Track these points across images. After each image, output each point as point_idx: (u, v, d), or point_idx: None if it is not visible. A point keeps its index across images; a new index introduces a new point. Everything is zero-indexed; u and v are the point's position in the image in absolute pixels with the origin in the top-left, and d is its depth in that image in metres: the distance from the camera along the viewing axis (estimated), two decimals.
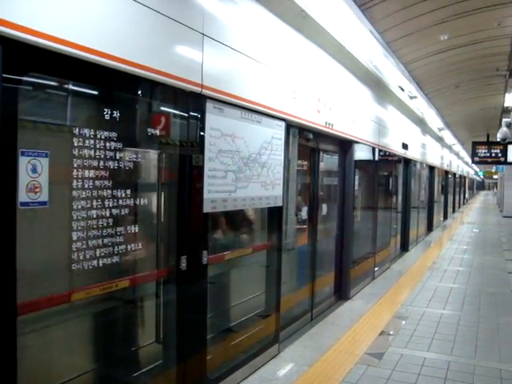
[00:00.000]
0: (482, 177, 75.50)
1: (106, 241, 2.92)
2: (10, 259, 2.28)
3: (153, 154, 3.48)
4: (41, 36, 2.34)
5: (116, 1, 2.81)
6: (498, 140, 17.25)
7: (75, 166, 2.72)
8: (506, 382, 4.47)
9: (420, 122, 14.33)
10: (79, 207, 2.74)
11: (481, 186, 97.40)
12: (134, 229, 3.17)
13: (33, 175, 2.43)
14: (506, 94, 12.79)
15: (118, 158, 2.99)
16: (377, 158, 9.09)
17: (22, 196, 2.38)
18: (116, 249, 3.00)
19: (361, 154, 8.05)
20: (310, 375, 4.52)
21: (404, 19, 7.17)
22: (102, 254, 2.89)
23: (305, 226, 6.43)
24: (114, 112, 2.94)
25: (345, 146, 7.46)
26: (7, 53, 2.21)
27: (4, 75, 2.22)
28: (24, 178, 2.39)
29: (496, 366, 4.85)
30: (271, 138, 4.66)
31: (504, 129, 16.26)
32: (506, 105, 13.96)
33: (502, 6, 7.30)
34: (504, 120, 16.06)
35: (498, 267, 10.54)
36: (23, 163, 2.38)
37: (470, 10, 7.29)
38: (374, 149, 8.79)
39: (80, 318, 3.17)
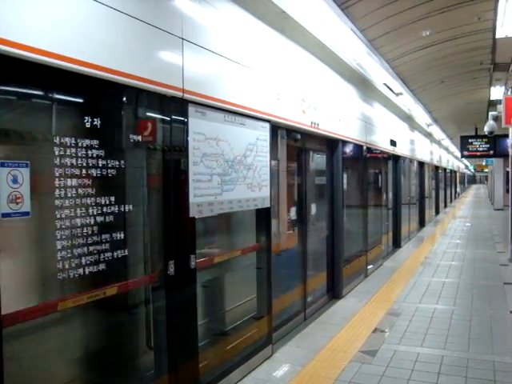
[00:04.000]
0: (472, 170, 75.86)
1: (91, 248, 2.91)
2: None
3: (137, 160, 3.48)
4: (16, 46, 2.33)
5: (94, 9, 2.80)
6: (486, 133, 17.33)
7: (57, 174, 2.71)
8: (500, 374, 4.49)
9: (408, 119, 14.39)
10: (62, 216, 2.73)
11: (472, 180, 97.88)
12: (120, 235, 3.16)
13: (14, 186, 2.42)
14: (492, 88, 12.86)
15: (101, 165, 2.98)
16: (365, 155, 9.12)
17: (4, 207, 2.37)
18: (102, 256, 2.98)
19: (349, 152, 8.08)
20: (304, 375, 4.52)
21: (384, 16, 7.20)
22: (88, 262, 2.88)
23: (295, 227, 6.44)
24: (95, 120, 2.93)
25: (332, 144, 7.48)
26: None
27: None
28: (5, 188, 2.38)
29: (489, 359, 4.87)
30: (256, 140, 4.66)
31: (491, 122, 16.33)
32: (491, 98, 14.04)
33: (481, 1, 7.35)
34: (490, 113, 16.13)
35: (490, 260, 10.60)
36: (3, 174, 2.37)
37: (449, 5, 7.32)
38: (361, 147, 8.81)
39: (68, 326, 3.16)
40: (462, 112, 19.37)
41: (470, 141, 20.03)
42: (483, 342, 5.36)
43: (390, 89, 10.40)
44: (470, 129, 21.80)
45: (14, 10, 2.33)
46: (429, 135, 19.78)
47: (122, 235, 3.18)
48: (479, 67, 11.64)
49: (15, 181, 2.44)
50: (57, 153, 2.70)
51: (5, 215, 2.38)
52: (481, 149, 19.67)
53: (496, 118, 15.60)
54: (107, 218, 3.04)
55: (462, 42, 9.55)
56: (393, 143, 11.74)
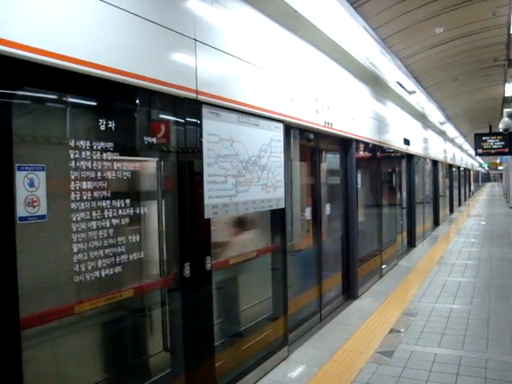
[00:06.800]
0: (486, 168, 75.30)
1: (107, 251, 2.92)
2: (10, 274, 2.28)
3: (151, 163, 3.48)
4: (32, 51, 2.34)
5: (107, 12, 2.80)
6: (501, 130, 17.17)
7: (73, 177, 2.71)
8: None
9: (421, 117, 14.29)
10: (79, 219, 2.73)
11: (486, 178, 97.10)
12: (136, 238, 3.16)
13: (30, 189, 2.43)
14: (506, 84, 12.74)
15: (116, 167, 2.99)
16: (378, 154, 9.07)
17: (21, 211, 2.37)
18: (118, 259, 2.99)
19: (362, 151, 8.04)
20: (320, 376, 4.49)
21: (397, 14, 7.15)
22: (104, 265, 2.88)
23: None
24: (110, 122, 2.93)
25: (345, 144, 7.44)
26: None
27: None
28: (21, 192, 2.38)
29: (508, 359, 4.80)
30: (270, 140, 4.65)
31: (506, 119, 16.20)
32: (506, 95, 13.90)
33: None
34: (505, 110, 16.00)
35: (507, 258, 10.49)
36: (20, 178, 2.38)
37: (463, 1, 7.26)
38: (375, 146, 8.76)
39: (85, 329, 3.17)
40: (476, 109, 19.23)
41: (484, 138, 19.82)
42: (502, 342, 5.28)
43: (403, 87, 10.34)
44: (484, 126, 21.60)
45: (27, 14, 2.34)
46: (442, 133, 19.63)
47: (138, 237, 3.18)
48: (494, 64, 11.54)
49: (31, 184, 2.44)
50: (72, 156, 2.71)
51: (22, 219, 2.38)
52: (495, 146, 19.45)
53: (511, 115, 15.46)
54: (122, 220, 3.04)
55: (476, 39, 9.47)
56: (406, 142, 11.66)
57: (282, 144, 4.87)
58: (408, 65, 9.66)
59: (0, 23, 2.21)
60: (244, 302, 4.92)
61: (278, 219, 4.93)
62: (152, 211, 3.44)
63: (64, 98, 2.82)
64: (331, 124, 6.23)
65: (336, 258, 7.40)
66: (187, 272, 3.48)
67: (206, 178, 3.67)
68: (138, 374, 3.52)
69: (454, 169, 24.72)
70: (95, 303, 2.91)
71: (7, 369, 2.30)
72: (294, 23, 5.14)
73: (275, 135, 4.75)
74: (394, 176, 10.83)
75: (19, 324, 2.34)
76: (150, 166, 3.47)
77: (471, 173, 44.65)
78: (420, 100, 12.40)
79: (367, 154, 8.49)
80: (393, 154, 10.66)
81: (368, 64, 7.72)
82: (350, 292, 7.45)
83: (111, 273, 2.94)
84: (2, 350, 2.26)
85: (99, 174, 2.87)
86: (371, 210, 8.88)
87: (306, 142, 6.15)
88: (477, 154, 20.83)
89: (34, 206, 2.45)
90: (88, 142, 2.79)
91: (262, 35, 4.57)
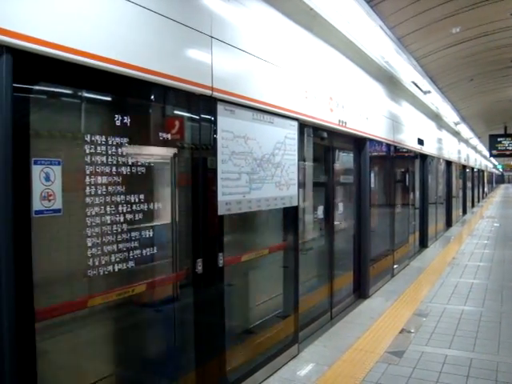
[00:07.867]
0: (501, 170, 74.58)
1: (120, 246, 2.93)
2: (26, 267, 2.30)
3: (166, 158, 3.49)
4: (50, 46, 2.36)
5: (124, 8, 2.81)
6: None
7: (88, 172, 2.73)
8: None
9: (435, 117, 14.19)
10: (93, 213, 2.75)
11: (500, 180, 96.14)
12: (149, 233, 3.17)
13: (46, 183, 2.45)
14: None
15: (130, 163, 3.00)
16: (392, 154, 9.03)
17: (36, 204, 2.40)
18: (131, 254, 3.00)
19: (376, 150, 8.01)
20: (330, 375, 4.49)
21: (414, 13, 7.11)
22: (117, 260, 2.90)
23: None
24: (125, 118, 2.95)
25: (359, 143, 7.42)
26: (17, 63, 2.23)
27: (15, 85, 2.23)
28: (37, 186, 2.40)
29: None
30: (284, 138, 4.65)
31: None
32: None
33: None
34: None
35: None
36: (36, 172, 2.40)
37: (480, 1, 7.20)
38: (389, 145, 8.72)
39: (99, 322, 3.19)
40: (491, 110, 19.04)
41: (498, 140, 19.70)
42: None
43: (418, 87, 10.28)
44: (499, 127, 21.40)
45: (47, 10, 2.35)
46: (456, 134, 19.48)
47: (151, 233, 3.20)
48: (510, 64, 11.42)
49: (47, 178, 2.46)
50: (87, 151, 2.73)
51: (37, 212, 2.40)
52: (510, 148, 19.29)
53: None
54: (136, 215, 3.06)
55: (493, 39, 9.38)
56: (420, 142, 11.59)
57: (296, 142, 4.87)
58: (423, 64, 9.59)
59: (15, 17, 2.22)
60: (256, 299, 4.93)
61: (290, 217, 4.93)
62: (166, 207, 3.45)
63: (80, 93, 2.84)
64: (345, 123, 6.21)
65: (348, 256, 7.39)
66: (199, 268, 3.49)
67: (219, 175, 3.68)
68: (148, 368, 3.54)
69: (467, 170, 24.52)
70: (107, 297, 2.93)
71: (22, 360, 2.32)
72: (310, 21, 5.13)
73: (289, 133, 4.75)
74: (407, 176, 10.78)
75: (34, 316, 2.37)
76: (165, 161, 3.48)
77: (485, 174, 44.26)
78: (435, 100, 12.31)
79: (381, 154, 8.46)
80: (406, 154, 10.60)
81: (383, 63, 7.69)
82: (361, 291, 7.44)
83: (124, 267, 2.96)
84: (17, 341, 2.29)
85: (114, 169, 2.88)
86: (384, 209, 8.85)
87: (320, 141, 6.14)
88: (491, 155, 20.70)
89: (49, 200, 2.47)
90: (103, 137, 2.81)
91: (278, 33, 4.57)
